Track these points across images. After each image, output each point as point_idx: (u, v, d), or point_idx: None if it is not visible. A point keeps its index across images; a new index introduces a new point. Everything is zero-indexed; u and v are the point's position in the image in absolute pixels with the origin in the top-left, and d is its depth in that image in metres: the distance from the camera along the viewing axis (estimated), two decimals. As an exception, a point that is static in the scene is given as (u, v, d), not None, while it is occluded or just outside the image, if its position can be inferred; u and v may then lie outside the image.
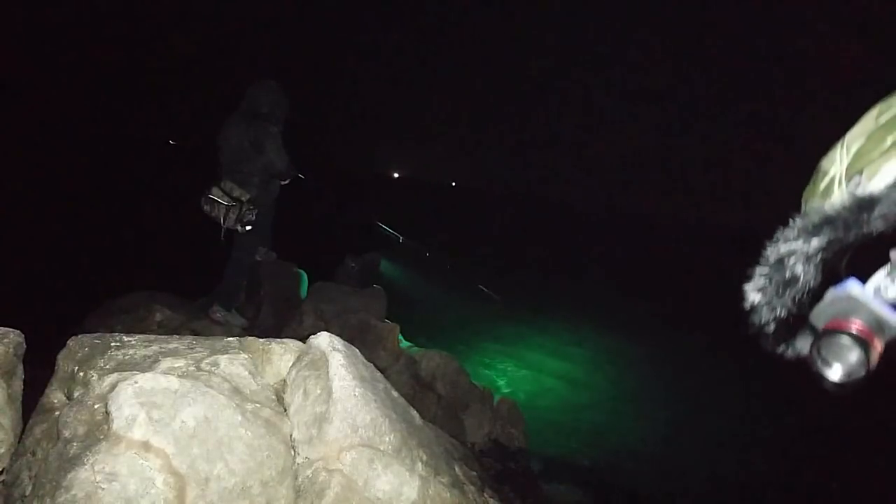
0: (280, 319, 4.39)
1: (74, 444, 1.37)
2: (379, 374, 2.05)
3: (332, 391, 1.68)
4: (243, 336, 1.94)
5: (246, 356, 1.77)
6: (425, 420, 2.27)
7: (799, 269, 0.57)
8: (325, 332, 1.92)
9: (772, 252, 0.59)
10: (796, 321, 0.61)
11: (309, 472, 1.59)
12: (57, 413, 1.53)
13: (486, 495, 2.18)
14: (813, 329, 0.58)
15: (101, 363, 1.56)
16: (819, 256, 0.56)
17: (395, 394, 2.05)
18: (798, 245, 0.57)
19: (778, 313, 0.60)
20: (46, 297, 5.62)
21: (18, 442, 1.57)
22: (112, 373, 1.50)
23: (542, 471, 4.12)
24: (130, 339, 1.73)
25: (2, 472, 1.53)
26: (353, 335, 3.86)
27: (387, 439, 1.71)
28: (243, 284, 4.22)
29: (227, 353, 1.72)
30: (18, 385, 1.67)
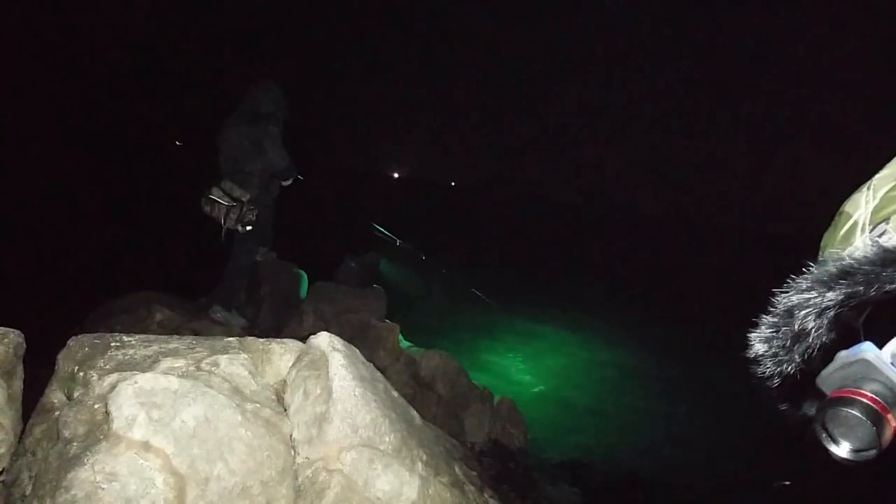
0: (280, 319, 4.39)
1: (74, 444, 1.37)
2: (379, 374, 2.05)
3: (332, 391, 1.68)
4: (243, 336, 1.94)
5: (246, 356, 1.77)
6: (425, 420, 2.27)
7: (810, 323, 0.51)
8: (325, 332, 1.92)
9: (782, 301, 0.52)
10: (805, 379, 0.54)
11: (309, 472, 1.59)
12: (57, 413, 1.53)
13: (486, 495, 2.18)
14: (819, 395, 0.51)
15: (101, 363, 1.56)
16: (833, 311, 0.50)
17: (395, 394, 2.05)
18: (811, 296, 0.50)
19: (784, 369, 0.54)
20: (46, 297, 5.62)
21: (18, 442, 1.57)
22: (112, 373, 1.50)
23: (542, 471, 4.12)
24: (130, 339, 1.72)
25: (2, 472, 1.53)
26: (353, 335, 3.86)
27: (387, 439, 1.71)
28: (243, 284, 4.22)
29: (227, 353, 1.72)
30: (18, 385, 1.67)
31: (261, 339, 1.91)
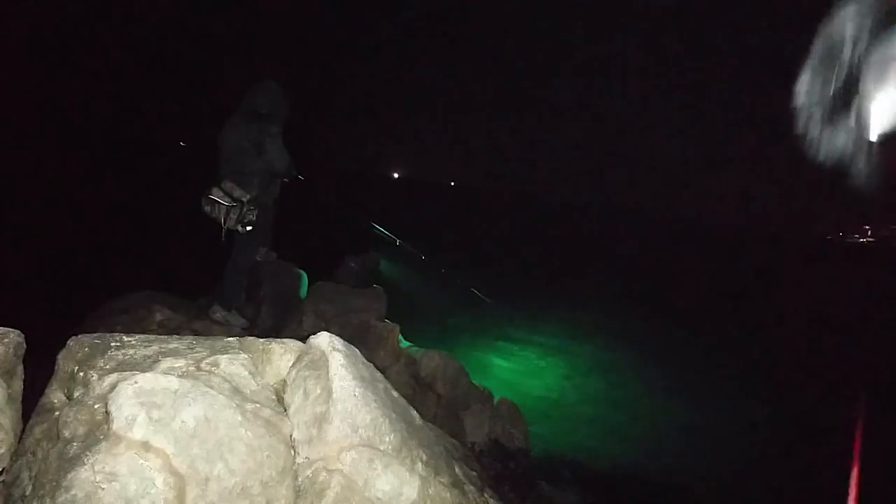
0: (280, 319, 4.38)
1: (74, 444, 1.37)
2: (379, 374, 2.05)
3: (332, 391, 1.68)
4: (243, 336, 1.94)
5: (246, 356, 1.77)
6: (425, 420, 2.27)
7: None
8: (325, 332, 1.92)
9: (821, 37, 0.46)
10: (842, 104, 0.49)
11: (309, 472, 1.59)
12: (57, 413, 1.53)
13: (486, 495, 2.18)
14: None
15: (101, 363, 1.56)
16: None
17: (395, 394, 2.05)
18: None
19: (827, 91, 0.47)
20: (46, 297, 5.63)
21: (18, 442, 1.57)
22: (112, 373, 1.50)
23: (542, 471, 4.12)
24: (130, 339, 1.72)
25: (2, 472, 1.53)
26: (353, 335, 3.86)
27: (387, 439, 1.71)
28: (243, 284, 4.22)
29: (227, 353, 1.72)
30: (18, 385, 1.67)
31: (261, 339, 1.91)
